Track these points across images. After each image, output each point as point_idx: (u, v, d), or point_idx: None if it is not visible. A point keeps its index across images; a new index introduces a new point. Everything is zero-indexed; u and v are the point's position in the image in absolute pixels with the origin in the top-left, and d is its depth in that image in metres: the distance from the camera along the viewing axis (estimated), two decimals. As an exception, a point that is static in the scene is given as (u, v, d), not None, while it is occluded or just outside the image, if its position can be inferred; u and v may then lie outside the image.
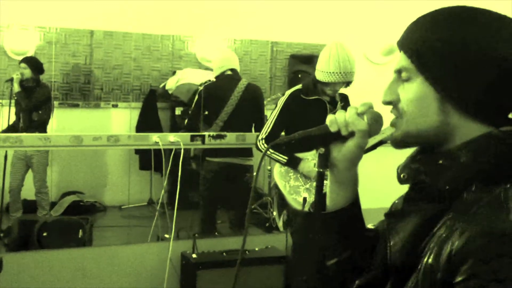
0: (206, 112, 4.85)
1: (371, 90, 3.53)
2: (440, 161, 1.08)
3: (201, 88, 4.93)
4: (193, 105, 4.89)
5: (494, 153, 1.06)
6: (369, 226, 1.30)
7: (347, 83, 3.67)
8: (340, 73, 3.56)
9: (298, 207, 3.60)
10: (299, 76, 6.15)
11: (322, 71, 3.62)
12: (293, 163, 3.66)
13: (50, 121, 5.60)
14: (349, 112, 1.20)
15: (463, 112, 1.08)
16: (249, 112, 4.82)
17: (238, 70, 4.96)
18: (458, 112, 1.08)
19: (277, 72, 6.57)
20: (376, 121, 1.21)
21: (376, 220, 1.32)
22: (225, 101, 4.81)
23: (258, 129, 4.64)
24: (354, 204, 1.26)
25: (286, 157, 3.63)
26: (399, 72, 1.14)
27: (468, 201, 1.02)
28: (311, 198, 3.60)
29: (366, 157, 1.27)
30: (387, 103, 1.16)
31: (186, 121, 4.97)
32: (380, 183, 4.38)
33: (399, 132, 1.15)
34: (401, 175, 1.14)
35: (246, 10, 5.42)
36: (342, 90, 3.80)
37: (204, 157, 4.81)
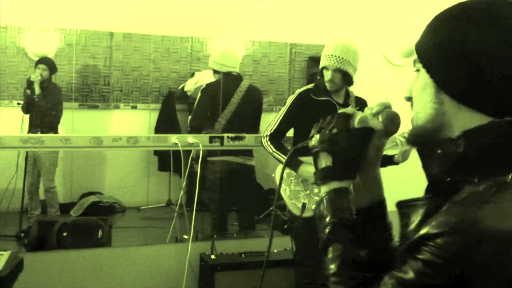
0: (208, 112, 4.91)
1: (390, 92, 3.51)
2: (439, 151, 1.07)
3: (203, 86, 4.99)
4: (195, 104, 4.94)
5: (494, 143, 1.03)
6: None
7: (344, 75, 3.52)
8: (336, 56, 3.46)
9: (297, 212, 3.54)
10: (318, 78, 6.13)
11: (322, 56, 3.55)
12: (293, 165, 3.54)
13: (70, 122, 5.65)
14: (365, 112, 1.20)
15: (457, 102, 1.07)
16: (250, 113, 4.87)
17: (238, 70, 5.03)
18: (453, 101, 1.07)
19: (295, 74, 6.56)
20: (392, 121, 1.20)
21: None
22: (227, 100, 4.88)
23: (254, 132, 4.65)
24: (376, 206, 1.25)
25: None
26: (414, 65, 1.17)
27: (468, 194, 0.99)
28: (310, 204, 3.53)
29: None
30: (406, 98, 1.18)
31: (189, 118, 5.00)
32: (408, 184, 4.36)
33: (409, 130, 1.16)
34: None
35: (264, 11, 5.42)
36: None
37: (205, 157, 4.82)
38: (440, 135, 1.10)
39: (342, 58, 3.47)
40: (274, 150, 3.58)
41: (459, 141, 1.05)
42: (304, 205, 3.50)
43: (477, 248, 0.92)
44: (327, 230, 1.15)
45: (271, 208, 5.49)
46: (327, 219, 1.15)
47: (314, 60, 6.35)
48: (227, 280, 4.02)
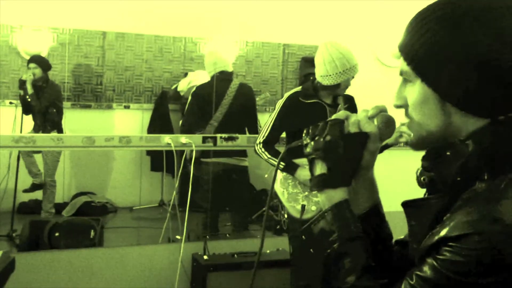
0: (199, 115, 4.91)
1: (384, 93, 3.52)
2: (448, 153, 1.07)
3: (193, 89, 4.98)
4: (186, 107, 4.93)
5: (500, 139, 1.04)
6: (401, 237, 1.27)
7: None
8: (344, 71, 3.48)
9: (297, 215, 3.53)
10: (311, 78, 6.13)
11: (326, 75, 3.53)
12: (290, 169, 3.54)
13: (62, 122, 5.62)
14: (359, 115, 1.19)
15: (464, 111, 1.06)
16: (242, 113, 4.86)
17: (229, 70, 5.01)
18: (459, 110, 1.07)
19: (288, 74, 6.56)
20: (387, 125, 1.19)
21: (395, 223, 1.30)
22: (218, 102, 4.87)
23: (252, 130, 4.64)
24: (373, 210, 1.25)
25: (283, 163, 3.53)
26: (401, 75, 1.14)
27: (478, 191, 1.00)
28: (309, 206, 3.53)
29: (384, 159, 1.25)
30: (398, 107, 1.16)
31: (180, 122, 5.00)
32: (401, 185, 4.37)
33: (413, 137, 1.14)
34: (421, 178, 1.13)
35: (258, 12, 5.42)
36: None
37: (199, 159, 4.82)
38: (449, 140, 1.10)
39: (349, 68, 3.51)
40: (269, 156, 3.58)
41: (467, 141, 1.06)
42: (303, 207, 3.50)
43: (505, 244, 0.93)
44: (335, 246, 1.15)
45: (263, 209, 5.49)
46: (334, 234, 1.16)
47: (307, 61, 6.35)
48: (220, 281, 4.01)
